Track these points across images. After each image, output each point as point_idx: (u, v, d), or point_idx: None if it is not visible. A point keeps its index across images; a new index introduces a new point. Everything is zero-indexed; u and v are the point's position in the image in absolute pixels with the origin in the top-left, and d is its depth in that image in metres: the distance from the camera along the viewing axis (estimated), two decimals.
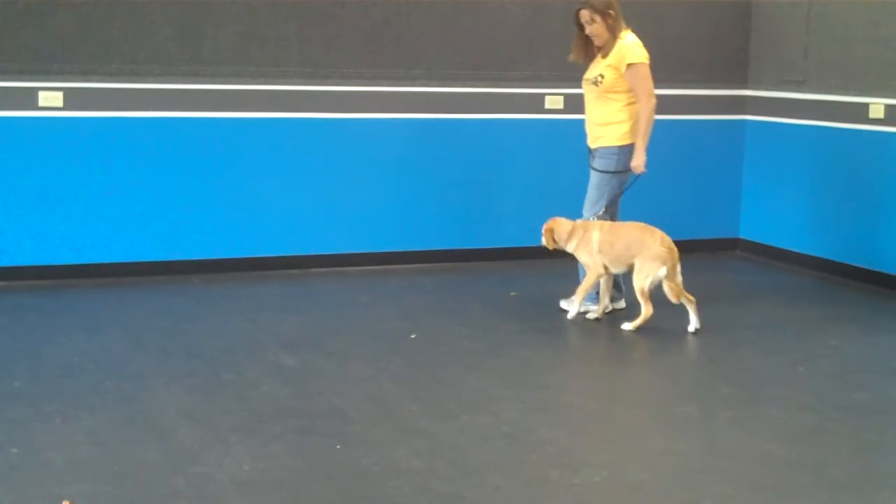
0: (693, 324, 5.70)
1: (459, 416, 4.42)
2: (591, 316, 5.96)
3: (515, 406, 4.57)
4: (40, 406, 4.41)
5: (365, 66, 7.02)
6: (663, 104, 7.67)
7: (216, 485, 3.69)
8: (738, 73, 7.92)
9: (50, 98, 6.40)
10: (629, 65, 5.81)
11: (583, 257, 5.87)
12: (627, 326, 5.73)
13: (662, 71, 7.67)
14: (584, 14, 5.85)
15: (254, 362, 5.08)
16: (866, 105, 6.90)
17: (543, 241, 5.94)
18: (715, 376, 5.05)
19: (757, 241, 7.90)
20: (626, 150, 5.90)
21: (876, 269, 6.89)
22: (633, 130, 5.89)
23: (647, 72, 5.85)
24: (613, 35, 5.85)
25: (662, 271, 5.62)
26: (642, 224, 5.77)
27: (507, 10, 7.30)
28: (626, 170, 5.91)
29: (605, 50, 5.88)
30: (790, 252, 7.56)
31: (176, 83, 6.65)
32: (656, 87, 7.61)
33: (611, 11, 5.82)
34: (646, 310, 5.66)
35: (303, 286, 6.71)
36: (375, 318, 5.96)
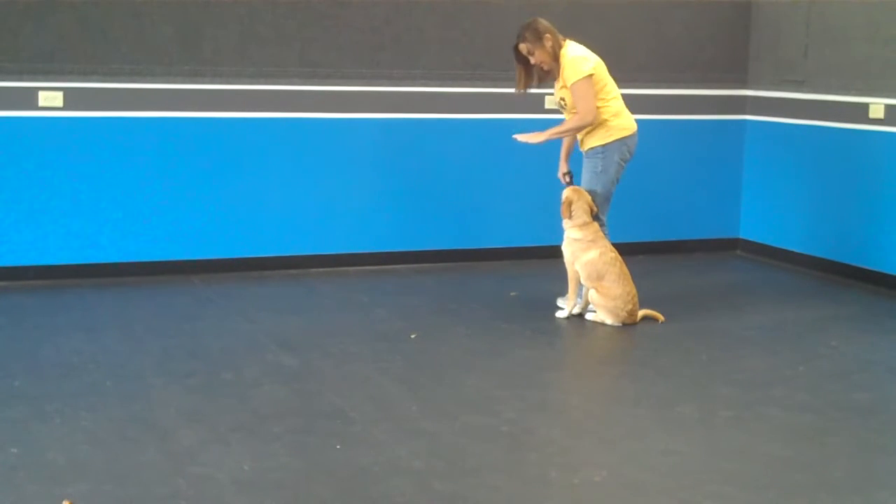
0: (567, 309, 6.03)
1: (459, 416, 4.42)
2: (561, 314, 5.98)
3: (515, 406, 4.57)
4: (40, 406, 4.41)
5: (365, 66, 7.02)
6: (663, 104, 7.74)
7: (216, 485, 3.69)
8: (737, 73, 7.92)
9: (50, 98, 6.40)
10: (572, 85, 5.84)
11: (566, 254, 5.92)
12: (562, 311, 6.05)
13: (662, 71, 7.72)
14: (523, 48, 5.90)
15: (254, 362, 5.08)
16: (866, 105, 6.90)
17: (563, 199, 5.95)
18: (715, 376, 5.05)
19: (757, 241, 7.90)
20: (611, 147, 5.92)
21: (876, 269, 6.89)
22: (614, 127, 5.92)
23: (585, 89, 5.81)
24: (555, 57, 5.88)
25: (608, 321, 5.85)
26: (628, 274, 5.83)
27: (507, 10, 7.30)
28: (615, 164, 5.93)
29: (553, 73, 5.94)
30: (790, 252, 7.56)
31: (176, 83, 6.65)
32: (656, 86, 7.70)
33: (547, 36, 5.86)
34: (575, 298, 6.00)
35: (303, 286, 6.71)
36: (375, 318, 5.96)
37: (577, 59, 5.84)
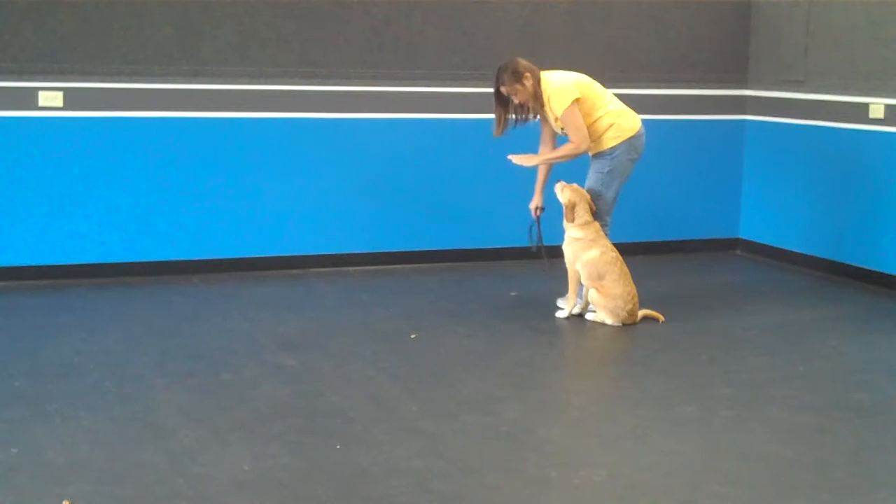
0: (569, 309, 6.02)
1: (459, 416, 4.42)
2: (561, 314, 5.99)
3: (515, 406, 4.57)
4: (40, 406, 4.41)
5: (365, 66, 7.02)
6: (663, 104, 7.74)
7: (216, 485, 3.69)
8: (738, 73, 7.92)
9: (50, 98, 6.40)
10: (561, 116, 5.83)
11: (567, 253, 5.92)
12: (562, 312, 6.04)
13: (663, 71, 7.72)
14: (505, 90, 5.87)
15: (254, 362, 5.08)
16: (866, 105, 6.90)
17: (564, 199, 5.93)
18: (715, 376, 5.05)
19: (757, 241, 7.90)
20: (620, 148, 5.94)
21: (876, 269, 6.89)
22: (621, 128, 5.93)
23: (575, 118, 5.80)
24: (537, 95, 5.86)
25: (608, 321, 5.83)
26: (628, 274, 5.83)
27: (507, 10, 7.30)
28: (624, 164, 5.94)
29: (536, 110, 5.93)
30: (790, 252, 7.56)
31: (176, 83, 6.65)
32: (656, 86, 7.69)
33: (527, 75, 5.83)
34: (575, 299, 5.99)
35: (303, 286, 6.71)
36: (375, 318, 5.96)
37: (560, 89, 5.83)
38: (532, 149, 6.13)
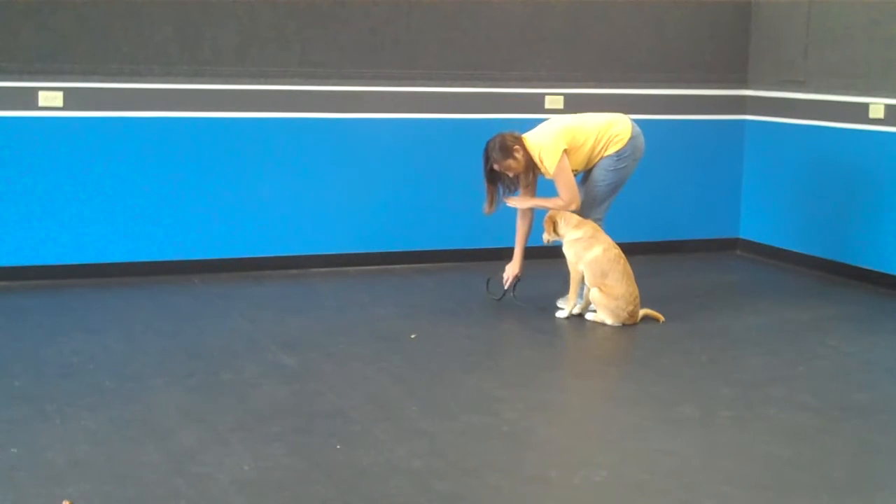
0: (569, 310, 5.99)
1: (459, 416, 4.42)
2: (561, 314, 5.98)
3: (515, 406, 4.57)
4: (40, 406, 4.41)
5: (365, 66, 7.02)
6: (663, 104, 7.74)
7: (216, 485, 3.70)
8: (738, 73, 7.92)
9: (50, 98, 6.40)
10: (554, 173, 5.84)
11: (569, 255, 5.91)
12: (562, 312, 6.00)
13: (663, 71, 7.72)
14: (498, 167, 5.88)
15: (254, 362, 5.08)
16: (866, 105, 6.90)
17: (544, 236, 5.94)
18: (715, 376, 5.05)
19: (757, 241, 7.90)
20: (626, 150, 5.97)
21: (876, 269, 6.89)
22: (619, 134, 5.96)
23: (564, 175, 5.82)
24: (528, 164, 5.87)
25: (608, 321, 5.80)
26: (630, 273, 5.81)
27: (507, 10, 7.30)
28: (630, 162, 5.97)
29: (528, 176, 5.92)
30: (790, 252, 7.56)
31: (176, 83, 6.65)
32: (656, 86, 7.69)
33: (516, 147, 5.83)
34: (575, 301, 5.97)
35: (303, 286, 6.71)
36: (375, 318, 5.96)
37: (549, 146, 5.83)
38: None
